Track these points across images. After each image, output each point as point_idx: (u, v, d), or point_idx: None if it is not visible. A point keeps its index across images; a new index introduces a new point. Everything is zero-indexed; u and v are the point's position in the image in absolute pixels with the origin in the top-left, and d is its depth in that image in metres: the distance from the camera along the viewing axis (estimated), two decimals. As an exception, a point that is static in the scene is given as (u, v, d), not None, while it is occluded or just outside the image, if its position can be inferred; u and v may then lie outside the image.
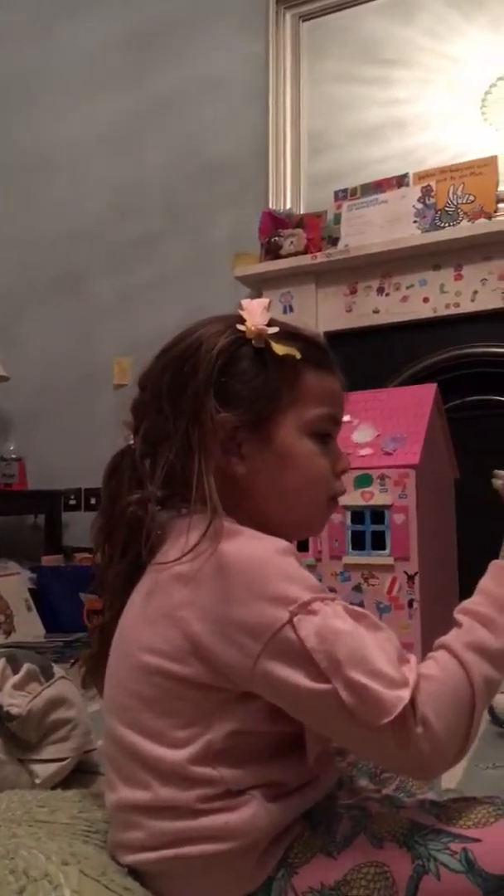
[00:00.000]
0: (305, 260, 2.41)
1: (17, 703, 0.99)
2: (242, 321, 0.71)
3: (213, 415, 0.68)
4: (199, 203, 2.82)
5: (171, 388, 0.70)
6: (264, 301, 0.73)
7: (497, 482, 0.77)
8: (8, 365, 2.97)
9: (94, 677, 0.76)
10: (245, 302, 0.72)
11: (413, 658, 0.62)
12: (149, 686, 0.64)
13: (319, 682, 0.59)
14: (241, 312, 0.72)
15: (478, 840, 0.62)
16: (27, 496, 2.93)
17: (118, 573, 0.72)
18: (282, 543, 0.66)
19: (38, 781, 1.01)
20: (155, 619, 0.66)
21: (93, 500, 3.01)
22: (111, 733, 0.68)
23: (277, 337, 0.71)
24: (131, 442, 0.73)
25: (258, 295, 2.46)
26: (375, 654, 0.59)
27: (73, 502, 3.04)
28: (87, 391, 3.03)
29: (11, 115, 3.28)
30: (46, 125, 3.21)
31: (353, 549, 1.61)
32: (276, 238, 2.36)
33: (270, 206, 2.56)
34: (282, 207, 2.57)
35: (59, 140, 3.17)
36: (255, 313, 0.71)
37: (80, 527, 3.01)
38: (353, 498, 1.59)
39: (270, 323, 0.71)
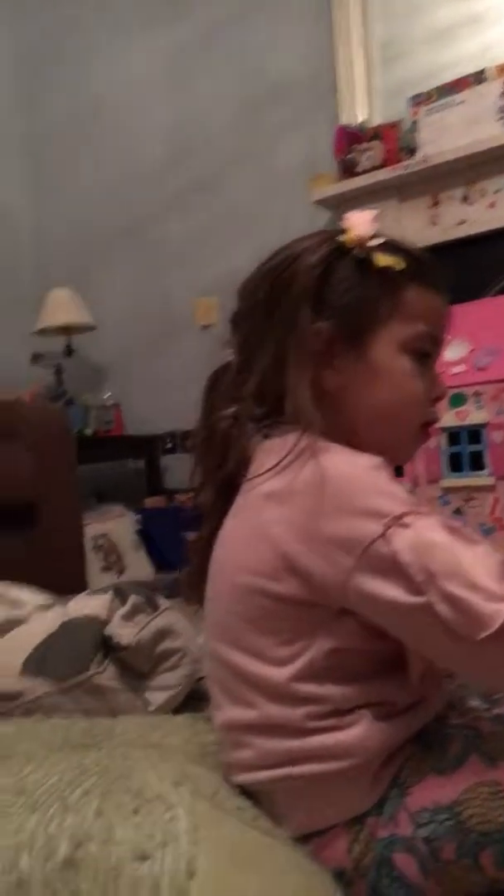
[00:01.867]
0: (384, 174, 2.29)
1: (127, 633, 1.02)
2: (345, 233, 0.69)
3: (308, 324, 0.67)
4: (265, 129, 2.71)
5: (268, 297, 0.70)
6: (372, 212, 0.71)
7: None
8: (93, 314, 3.01)
9: (195, 592, 0.77)
10: (350, 213, 0.71)
11: None
12: (248, 606, 0.65)
13: (414, 596, 0.57)
14: (345, 224, 0.70)
15: None
16: (125, 441, 3.00)
17: (213, 488, 0.73)
18: (374, 458, 0.64)
19: (151, 709, 1.05)
20: (248, 538, 0.66)
21: (189, 443, 3.04)
22: (214, 654, 0.69)
23: (381, 248, 0.69)
24: (230, 357, 0.74)
25: (338, 219, 2.37)
26: (473, 566, 0.57)
27: (169, 446, 3.09)
28: (172, 335, 3.04)
29: (64, 63, 3.25)
30: (100, 69, 3.16)
31: (451, 471, 1.56)
32: (352, 154, 2.25)
33: (342, 121, 2.43)
34: (355, 121, 2.44)
35: (114, 83, 3.12)
36: (360, 223, 0.69)
37: (179, 469, 3.07)
38: (447, 418, 1.53)
39: (375, 235, 0.69)
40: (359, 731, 0.63)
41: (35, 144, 3.36)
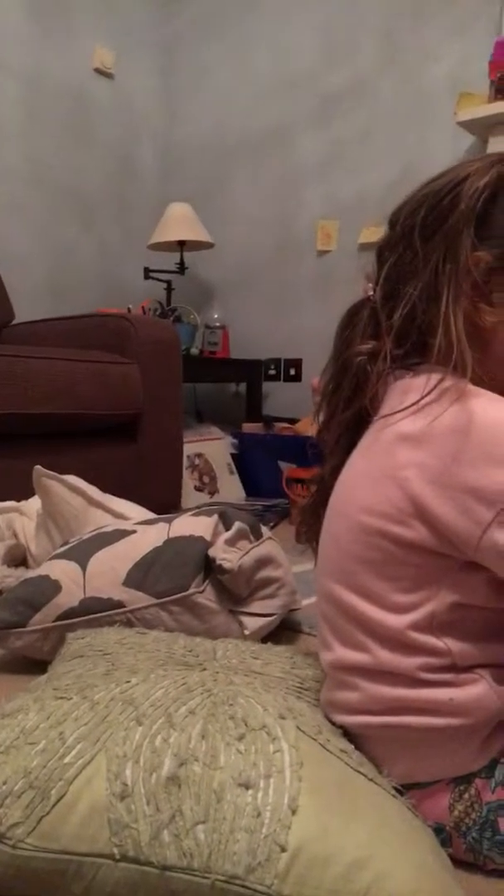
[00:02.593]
0: (544, 99, 2.07)
1: (229, 557, 1.02)
2: None
3: (469, 251, 0.61)
4: (419, 37, 2.49)
5: (426, 221, 0.64)
6: None
7: None
8: (213, 231, 2.95)
9: (308, 532, 0.75)
10: None
11: None
12: (369, 548, 0.62)
13: None
14: None
15: None
16: (230, 364, 2.98)
17: (340, 425, 0.70)
18: None
19: (246, 633, 1.05)
20: (376, 478, 0.62)
21: (292, 371, 3.00)
22: (328, 593, 0.67)
23: None
24: (371, 293, 0.69)
25: (483, 144, 2.19)
26: None
27: (272, 372, 3.05)
28: (289, 258, 2.95)
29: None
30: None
31: None
32: (509, 73, 2.05)
33: (504, 34, 2.21)
34: (518, 36, 2.21)
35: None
36: None
37: (279, 397, 3.03)
38: None
39: None
40: (476, 692, 0.60)
41: (169, 51, 3.26)
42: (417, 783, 0.64)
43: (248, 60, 3.02)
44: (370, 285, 0.69)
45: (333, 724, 0.68)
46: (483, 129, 2.12)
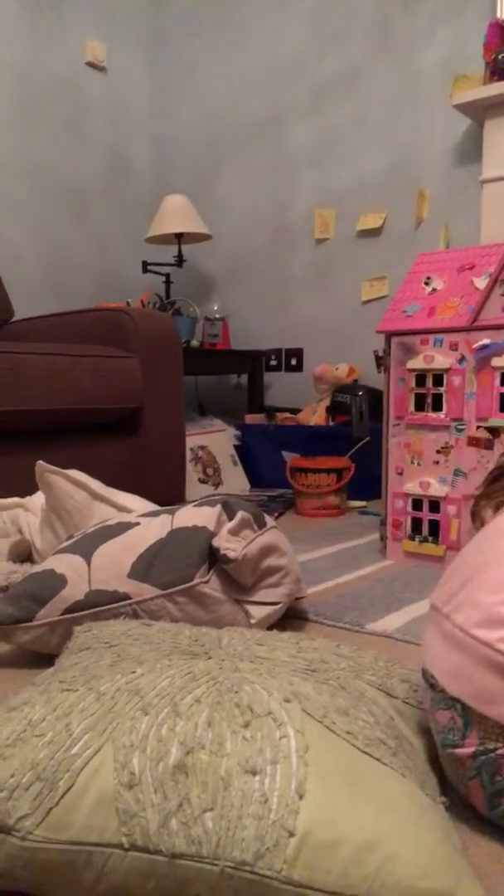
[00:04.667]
0: (538, 79, 2.05)
1: (233, 547, 1.02)
2: None
3: None
4: (412, 20, 2.48)
5: None
6: None
7: None
8: (210, 222, 2.94)
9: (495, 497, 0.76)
10: None
11: None
12: None
13: None
14: None
15: None
16: (230, 356, 2.97)
17: None
18: None
19: (252, 621, 1.05)
20: None
21: (293, 361, 2.99)
22: None
23: None
24: None
25: (479, 128, 2.17)
26: None
27: (273, 363, 3.05)
28: (286, 247, 2.94)
29: None
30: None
31: None
32: None
33: (499, 15, 2.19)
34: (511, 16, 2.20)
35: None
36: None
37: (280, 387, 3.03)
38: None
39: None
40: None
41: (161, 43, 3.24)
42: None
43: (239, 51, 3.01)
44: None
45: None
46: (479, 111, 2.10)
